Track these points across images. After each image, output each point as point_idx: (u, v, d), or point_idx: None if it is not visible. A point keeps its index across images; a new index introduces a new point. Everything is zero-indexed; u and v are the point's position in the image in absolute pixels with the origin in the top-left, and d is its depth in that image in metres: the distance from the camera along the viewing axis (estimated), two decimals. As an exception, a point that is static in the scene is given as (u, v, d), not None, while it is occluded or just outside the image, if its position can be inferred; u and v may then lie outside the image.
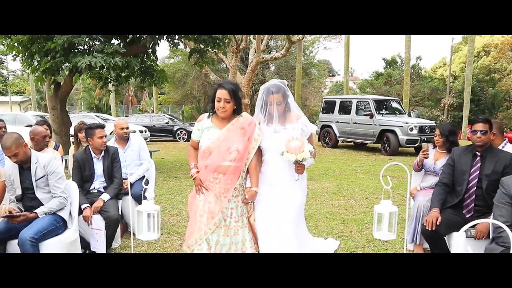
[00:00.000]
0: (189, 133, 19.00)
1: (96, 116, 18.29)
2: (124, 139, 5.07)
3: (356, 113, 14.19)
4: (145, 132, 17.33)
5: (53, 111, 9.76)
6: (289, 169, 3.20)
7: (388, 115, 13.85)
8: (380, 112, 13.79)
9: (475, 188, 3.57)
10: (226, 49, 12.19)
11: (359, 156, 12.63)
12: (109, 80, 9.92)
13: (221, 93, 3.02)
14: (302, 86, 31.18)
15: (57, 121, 9.62)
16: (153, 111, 32.39)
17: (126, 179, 4.68)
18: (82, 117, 15.31)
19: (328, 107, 15.41)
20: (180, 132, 19.45)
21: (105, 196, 4.18)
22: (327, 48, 37.39)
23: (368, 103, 13.88)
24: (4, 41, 9.09)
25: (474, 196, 3.56)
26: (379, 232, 3.47)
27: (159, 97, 35.16)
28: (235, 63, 20.05)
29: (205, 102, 40.33)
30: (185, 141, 18.78)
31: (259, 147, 3.21)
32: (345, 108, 14.73)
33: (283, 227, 3.21)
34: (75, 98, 41.85)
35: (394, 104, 14.89)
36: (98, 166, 4.37)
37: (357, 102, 14.42)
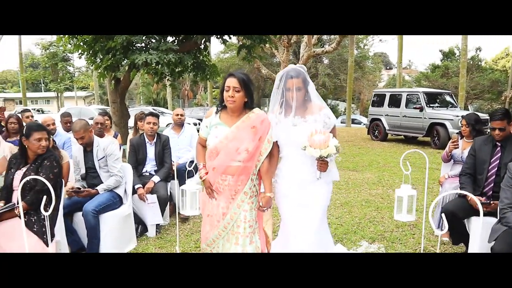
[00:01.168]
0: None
1: (153, 109, 19.28)
2: (179, 125, 5.72)
3: (406, 106, 14.12)
4: (199, 124, 18.12)
5: (114, 105, 10.59)
6: (311, 166, 2.90)
7: (439, 108, 13.67)
8: (431, 105, 13.64)
9: (494, 176, 3.76)
10: (272, 44, 12.48)
11: (408, 149, 12.60)
12: (164, 75, 10.60)
13: (230, 81, 2.75)
14: (355, 79, 31.00)
15: (117, 114, 10.42)
16: (208, 104, 33.34)
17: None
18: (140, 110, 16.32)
19: (378, 100, 15.40)
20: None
21: (156, 178, 4.74)
22: (383, 41, 36.79)
23: (418, 96, 13.78)
24: (71, 41, 9.98)
25: (492, 184, 3.76)
26: (399, 214, 3.75)
27: (213, 91, 36.06)
28: (287, 57, 20.39)
29: (258, 96, 40.96)
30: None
31: (273, 145, 2.94)
32: (394, 101, 14.68)
33: (304, 233, 2.96)
34: (134, 93, 43.77)
35: (447, 97, 14.65)
36: (150, 151, 4.94)
37: (407, 95, 14.34)
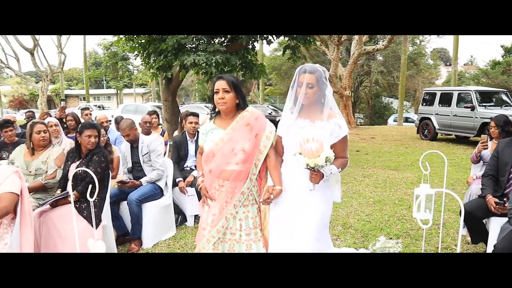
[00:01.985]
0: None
1: (205, 106, 19.91)
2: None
3: (457, 105, 13.81)
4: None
5: (165, 103, 11.24)
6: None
7: (492, 107, 13.26)
8: (483, 104, 13.27)
9: (515, 177, 3.84)
10: (322, 43, 12.60)
11: (456, 150, 12.37)
12: (213, 75, 11.09)
13: (219, 84, 2.76)
14: (410, 77, 30.31)
15: (169, 111, 11.04)
16: (260, 102, 33.80)
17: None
18: (192, 108, 17.02)
19: (429, 99, 15.13)
20: (282, 122, 20.32)
21: (195, 173, 5.15)
22: (440, 37, 35.43)
23: (470, 94, 13.44)
24: (128, 43, 10.69)
25: (514, 185, 3.84)
26: (417, 212, 3.91)
27: (266, 88, 36.51)
28: (337, 55, 20.37)
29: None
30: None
31: (278, 141, 2.88)
32: (445, 100, 14.37)
33: (297, 245, 2.73)
34: (190, 90, 45.06)
35: (502, 96, 14.17)
36: (191, 148, 5.35)
37: (458, 93, 14.01)
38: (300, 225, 2.74)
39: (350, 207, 5.75)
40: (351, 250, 4.00)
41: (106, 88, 51.48)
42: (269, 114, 21.13)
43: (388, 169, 8.77)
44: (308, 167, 2.56)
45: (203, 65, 9.33)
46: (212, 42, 9.89)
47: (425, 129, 15.00)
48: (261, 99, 33.15)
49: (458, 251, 2.35)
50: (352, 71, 21.12)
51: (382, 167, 8.96)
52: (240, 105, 2.83)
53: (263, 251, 2.87)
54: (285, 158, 2.86)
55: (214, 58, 9.11)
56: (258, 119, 2.81)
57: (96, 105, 29.77)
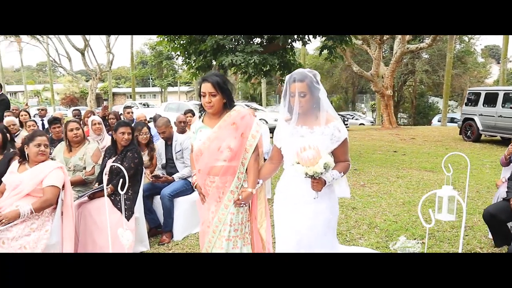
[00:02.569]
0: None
1: (246, 105, 20.20)
2: None
3: (503, 106, 13.38)
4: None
5: (204, 101, 11.57)
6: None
7: (540, 108, 12.79)
8: (531, 105, 12.81)
9: (543, 180, 3.82)
10: (353, 45, 12.54)
11: (500, 152, 11.99)
12: (251, 74, 11.31)
13: (205, 87, 2.78)
14: (456, 76, 29.45)
15: (207, 110, 11.37)
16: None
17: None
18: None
19: (473, 99, 14.72)
20: (322, 121, 20.30)
21: (187, 171, 5.38)
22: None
23: (517, 95, 13.00)
24: (170, 44, 11.10)
25: (541, 188, 3.82)
26: (439, 214, 3.95)
27: (307, 87, 36.30)
28: (379, 54, 20.15)
29: (353, 92, 40.57)
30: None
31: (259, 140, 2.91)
32: (490, 100, 13.94)
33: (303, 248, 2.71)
34: (233, 88, 45.59)
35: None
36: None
37: (504, 93, 13.57)
38: (305, 231, 2.66)
39: (378, 207, 5.81)
40: (366, 250, 4.11)
41: (151, 87, 52.99)
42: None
43: (423, 170, 8.69)
44: (308, 175, 2.47)
45: (241, 65, 9.58)
46: (251, 42, 10.11)
47: (468, 130, 14.62)
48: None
49: (459, 251, 2.42)
50: (394, 70, 20.83)
51: (418, 168, 8.88)
52: (227, 104, 2.87)
53: (245, 249, 2.94)
54: (285, 168, 2.80)
55: (251, 59, 9.35)
56: (244, 118, 2.85)
57: (141, 103, 30.76)
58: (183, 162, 4.87)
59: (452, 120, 25.25)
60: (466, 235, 4.75)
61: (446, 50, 25.38)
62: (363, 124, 28.85)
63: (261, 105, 28.75)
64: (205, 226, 2.98)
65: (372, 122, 30.81)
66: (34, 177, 3.41)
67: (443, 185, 3.94)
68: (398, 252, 4.21)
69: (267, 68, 10.63)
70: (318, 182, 2.52)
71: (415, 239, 4.57)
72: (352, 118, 29.42)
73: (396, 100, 31.60)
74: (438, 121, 25.19)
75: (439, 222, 5.17)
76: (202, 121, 2.96)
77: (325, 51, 10.35)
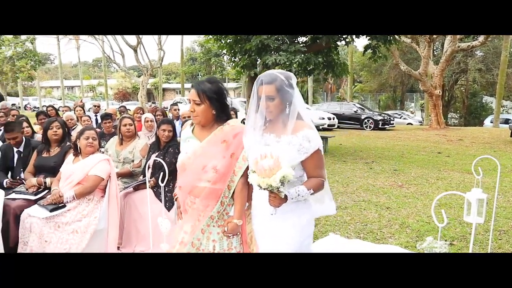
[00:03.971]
0: (376, 122, 19.79)
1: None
2: None
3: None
4: (333, 119, 18.77)
5: (249, 99, 11.88)
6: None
7: None
8: None
9: None
10: (397, 44, 12.32)
11: (553, 155, 11.59)
12: (295, 73, 11.52)
13: (190, 94, 2.49)
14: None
15: (251, 108, 11.69)
16: (347, 99, 33.57)
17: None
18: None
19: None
20: (367, 121, 20.23)
21: None
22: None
23: None
24: (216, 43, 11.50)
25: None
26: (468, 216, 4.02)
27: (355, 85, 36.08)
28: (428, 53, 19.77)
29: (402, 91, 39.72)
30: (371, 130, 19.57)
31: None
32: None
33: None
34: (280, 86, 45.79)
35: None
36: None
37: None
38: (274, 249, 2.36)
39: (413, 207, 5.87)
40: (393, 249, 4.22)
41: (200, 83, 53.93)
42: (355, 112, 21.08)
43: (466, 172, 8.58)
44: (261, 188, 2.15)
45: (285, 64, 9.80)
46: (294, 42, 10.32)
47: (522, 133, 14.13)
48: (348, 97, 32.91)
49: (471, 250, 2.54)
50: (444, 69, 20.33)
51: (460, 171, 8.78)
52: (218, 116, 2.49)
53: None
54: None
55: (295, 58, 9.56)
56: (237, 136, 2.45)
57: (189, 99, 31.52)
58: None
59: (506, 121, 24.30)
60: (500, 239, 4.77)
61: (502, 48, 24.42)
62: (411, 124, 28.28)
63: (307, 103, 28.83)
64: (171, 246, 2.70)
65: (421, 122, 30.11)
66: (84, 168, 3.84)
67: (473, 188, 4.02)
68: (425, 252, 4.31)
69: (311, 67, 10.79)
70: (275, 196, 2.19)
71: (446, 240, 4.64)
72: (400, 118, 28.89)
73: (446, 99, 30.71)
74: (491, 122, 24.32)
75: (471, 225, 5.20)
76: (192, 130, 2.60)
77: (369, 51, 10.40)
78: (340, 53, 12.66)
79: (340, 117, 20.35)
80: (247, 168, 2.41)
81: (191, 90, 2.48)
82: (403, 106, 39.22)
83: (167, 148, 4.44)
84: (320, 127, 17.31)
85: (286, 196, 2.19)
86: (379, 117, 20.51)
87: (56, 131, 4.34)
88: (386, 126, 20.10)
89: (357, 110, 21.22)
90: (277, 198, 2.19)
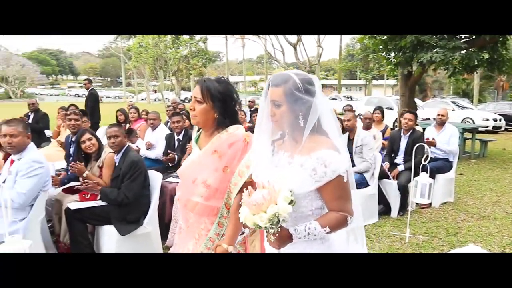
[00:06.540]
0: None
1: (452, 102, 18.91)
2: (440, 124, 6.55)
3: None
4: (499, 121, 16.93)
5: (402, 98, 11.53)
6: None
7: None
8: None
9: None
10: None
11: None
12: (455, 71, 10.74)
13: (193, 90, 2.15)
14: None
15: (404, 107, 11.30)
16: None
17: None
18: (438, 103, 16.59)
19: None
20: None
21: (401, 167, 5.69)
22: None
23: None
24: (370, 40, 11.40)
25: None
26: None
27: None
28: None
29: None
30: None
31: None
32: None
33: None
34: (444, 83, 42.78)
35: None
36: (403, 143, 5.85)
37: None
38: None
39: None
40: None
41: (358, 79, 53.40)
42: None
43: None
44: (246, 224, 1.69)
45: (443, 61, 9.27)
46: (454, 38, 9.66)
47: None
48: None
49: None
50: None
51: None
52: (221, 121, 2.14)
53: None
54: None
55: (453, 55, 9.02)
56: (232, 146, 2.10)
57: (345, 96, 31.49)
58: (361, 156, 5.24)
59: None
60: None
61: None
62: None
63: (472, 102, 26.38)
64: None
65: None
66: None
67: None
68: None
69: (473, 64, 10.02)
70: (273, 237, 1.66)
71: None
72: None
73: None
74: None
75: None
76: (198, 137, 2.29)
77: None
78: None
79: (509, 119, 18.09)
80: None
81: (196, 86, 2.15)
82: None
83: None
84: (484, 129, 15.75)
85: (289, 235, 1.70)
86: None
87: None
88: None
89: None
90: (276, 238, 1.65)
